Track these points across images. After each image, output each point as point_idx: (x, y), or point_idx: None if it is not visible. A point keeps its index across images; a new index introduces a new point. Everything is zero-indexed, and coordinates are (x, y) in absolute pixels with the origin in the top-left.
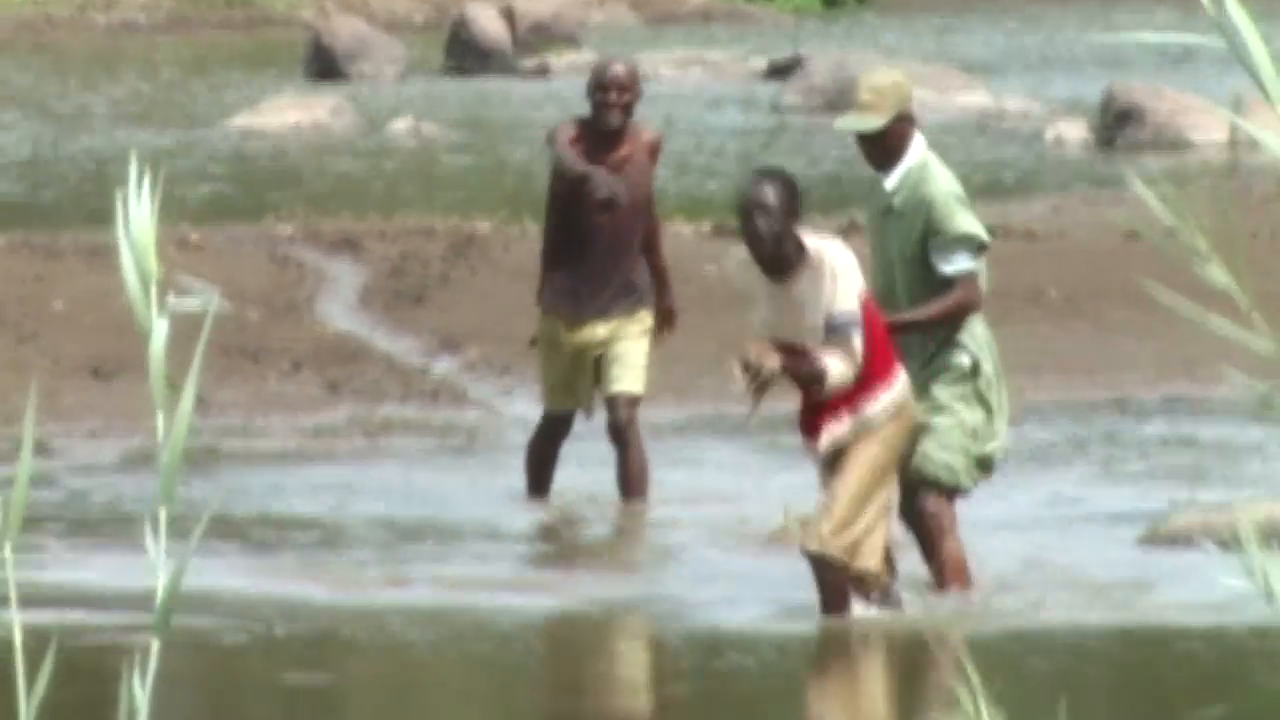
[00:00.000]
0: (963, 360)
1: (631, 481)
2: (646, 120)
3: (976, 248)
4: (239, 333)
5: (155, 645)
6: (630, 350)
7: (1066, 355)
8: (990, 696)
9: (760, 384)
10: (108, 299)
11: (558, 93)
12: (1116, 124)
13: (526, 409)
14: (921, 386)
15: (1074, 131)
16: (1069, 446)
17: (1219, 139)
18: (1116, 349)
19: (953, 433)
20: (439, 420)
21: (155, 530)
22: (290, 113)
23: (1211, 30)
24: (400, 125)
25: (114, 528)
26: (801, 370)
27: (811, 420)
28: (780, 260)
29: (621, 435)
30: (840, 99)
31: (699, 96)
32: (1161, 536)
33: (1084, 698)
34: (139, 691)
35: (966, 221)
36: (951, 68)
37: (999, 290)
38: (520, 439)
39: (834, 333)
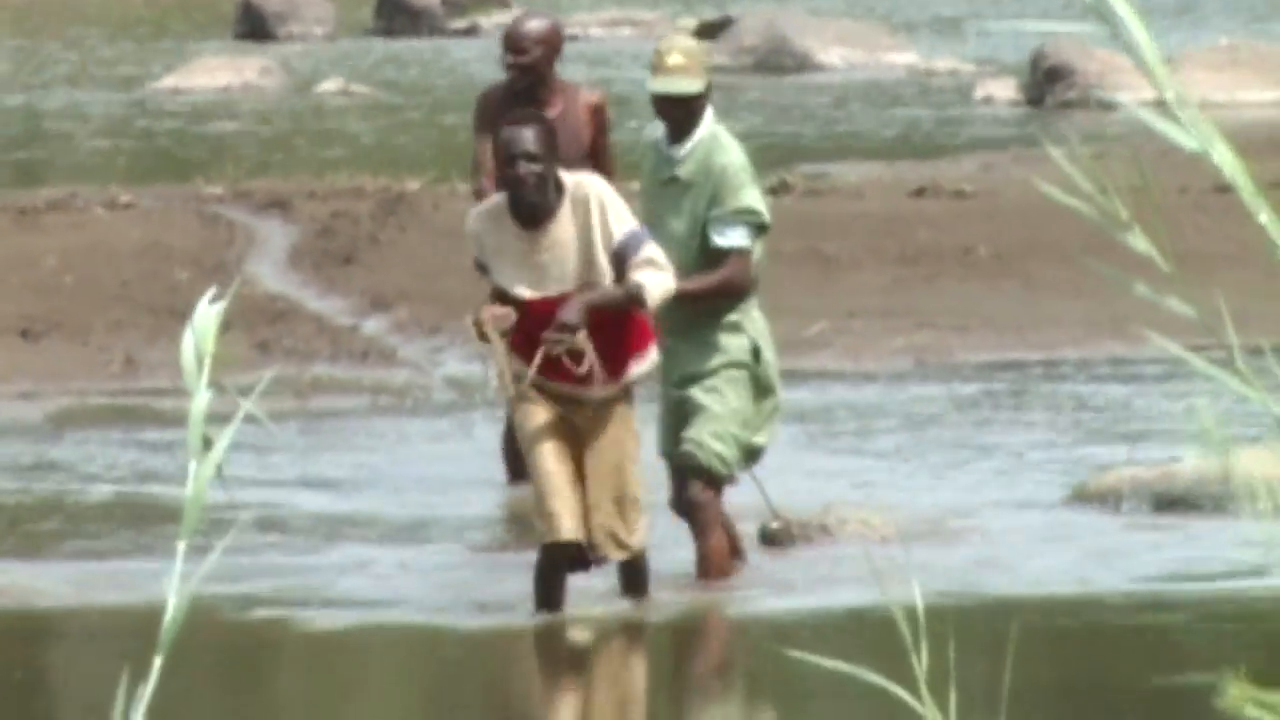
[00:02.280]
0: (742, 343)
1: None
2: (589, 81)
3: (756, 227)
4: (168, 293)
5: (157, 663)
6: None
7: (996, 314)
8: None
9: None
10: (36, 260)
11: (487, 52)
12: (1046, 83)
13: (456, 369)
14: (690, 366)
15: (1003, 91)
16: (996, 404)
17: (1148, 97)
18: (1046, 307)
19: (726, 421)
20: (369, 380)
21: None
22: (219, 74)
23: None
24: (329, 86)
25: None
26: (614, 300)
27: (565, 366)
28: (543, 207)
29: None
30: (772, 57)
31: (628, 56)
32: (1090, 494)
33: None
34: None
35: (752, 196)
36: (880, 27)
37: (929, 248)
38: (449, 399)
39: (631, 253)
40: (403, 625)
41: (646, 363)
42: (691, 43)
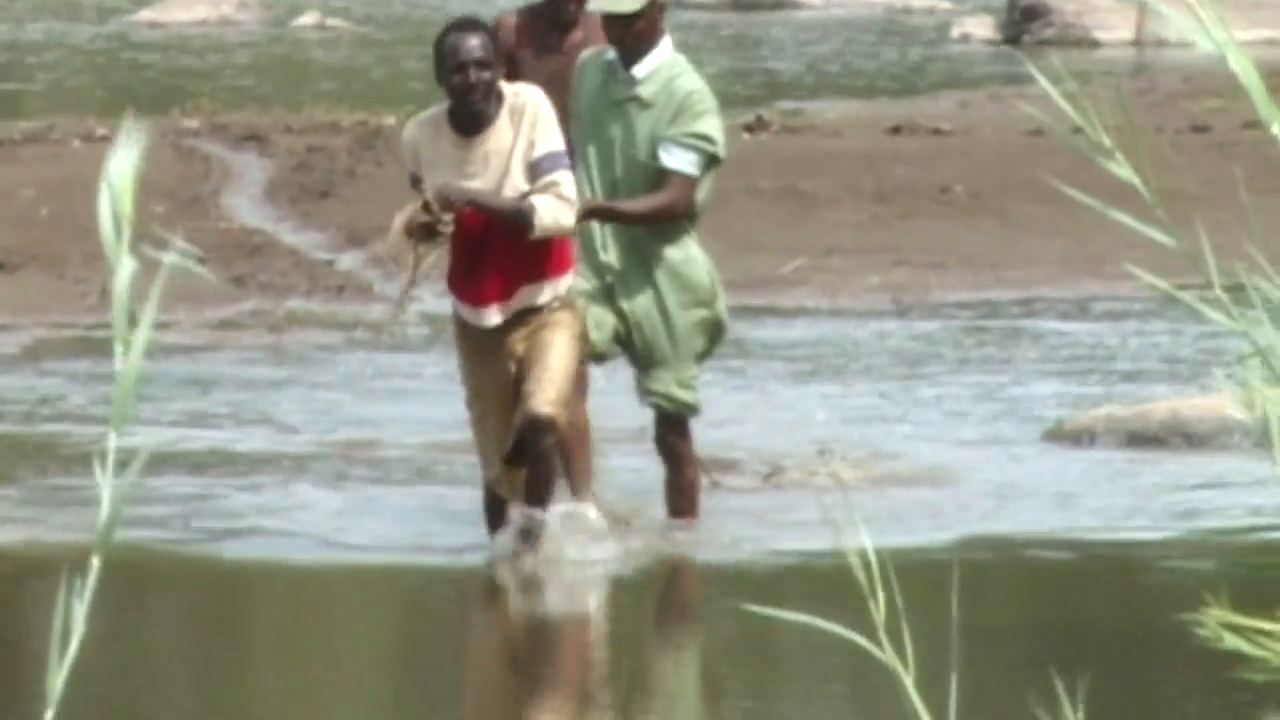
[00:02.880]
0: (705, 280)
1: None
2: None
3: (708, 157)
4: (144, 226)
5: (95, 564)
6: None
7: (973, 252)
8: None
9: (426, 235)
10: (11, 192)
11: None
12: (1023, 21)
13: (431, 304)
14: (639, 287)
15: (980, 29)
16: (973, 343)
17: (1125, 37)
18: (1023, 246)
19: (689, 367)
20: (345, 314)
21: (105, 455)
22: (197, 7)
23: None
24: (306, 20)
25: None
26: (500, 209)
27: (476, 288)
28: (484, 115)
29: None
30: None
31: None
32: (1065, 433)
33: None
34: (78, 616)
35: (711, 125)
36: None
37: (906, 186)
38: (425, 334)
39: (543, 173)
40: (342, 563)
41: (562, 285)
42: None
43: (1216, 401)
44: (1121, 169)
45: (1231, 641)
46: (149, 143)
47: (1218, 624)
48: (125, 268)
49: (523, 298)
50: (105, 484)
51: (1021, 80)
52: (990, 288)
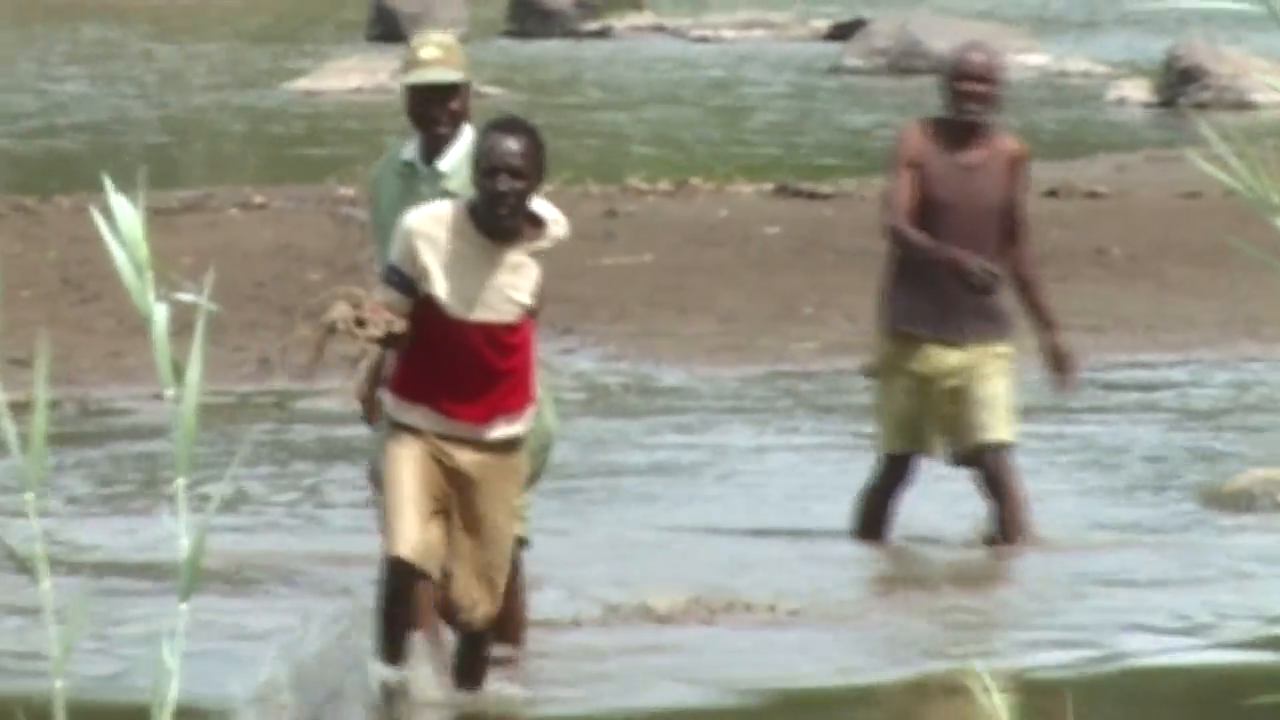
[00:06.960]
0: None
1: (1013, 530)
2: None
3: None
4: (301, 294)
5: (183, 610)
6: (993, 391)
7: (1130, 314)
8: None
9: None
10: (172, 260)
11: (619, 54)
12: (1179, 83)
13: (587, 366)
14: None
15: (1136, 92)
16: (1131, 406)
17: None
18: (1180, 308)
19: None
20: None
21: (176, 502)
22: (352, 75)
23: None
24: None
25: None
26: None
27: (473, 403)
28: (514, 227)
29: (1000, 487)
30: (904, 59)
31: (761, 58)
32: (1224, 497)
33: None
34: (169, 658)
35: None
36: (1011, 28)
37: (1063, 249)
38: (579, 398)
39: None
40: None
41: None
42: (447, 37)
43: None
44: None
45: None
46: (304, 210)
47: None
48: (160, 311)
49: (509, 422)
50: (180, 528)
51: (1179, 143)
52: (1147, 350)
